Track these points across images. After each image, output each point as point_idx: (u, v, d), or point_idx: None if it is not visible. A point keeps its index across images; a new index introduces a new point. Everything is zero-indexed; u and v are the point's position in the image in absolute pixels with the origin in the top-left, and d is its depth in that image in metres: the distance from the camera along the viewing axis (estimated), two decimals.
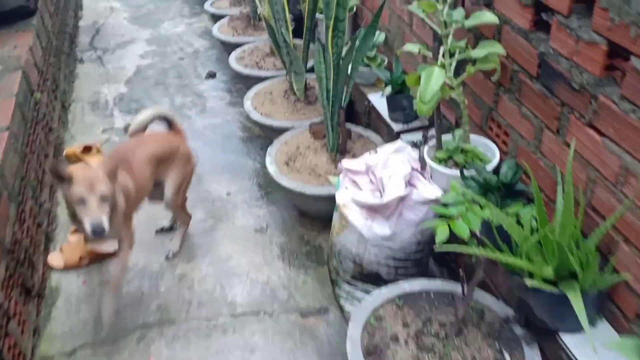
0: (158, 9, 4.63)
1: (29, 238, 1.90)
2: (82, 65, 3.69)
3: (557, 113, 1.45)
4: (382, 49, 2.52)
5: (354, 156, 2.25)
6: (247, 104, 2.68)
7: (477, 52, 1.62)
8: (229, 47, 3.40)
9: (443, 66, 1.65)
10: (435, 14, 1.64)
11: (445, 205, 1.53)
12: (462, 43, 1.72)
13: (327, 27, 2.05)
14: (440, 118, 1.80)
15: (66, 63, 3.45)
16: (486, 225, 1.50)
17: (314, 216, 2.33)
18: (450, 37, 1.68)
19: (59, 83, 3.08)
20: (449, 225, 1.44)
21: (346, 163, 1.90)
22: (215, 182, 2.56)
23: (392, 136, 2.26)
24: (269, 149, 2.34)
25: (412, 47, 1.80)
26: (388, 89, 2.14)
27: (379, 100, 2.39)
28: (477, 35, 1.74)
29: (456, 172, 1.70)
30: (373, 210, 1.72)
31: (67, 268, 2.07)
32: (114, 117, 3.08)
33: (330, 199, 2.09)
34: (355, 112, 2.70)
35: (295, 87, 2.63)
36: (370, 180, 1.83)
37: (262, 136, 2.85)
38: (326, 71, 2.12)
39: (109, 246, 2.17)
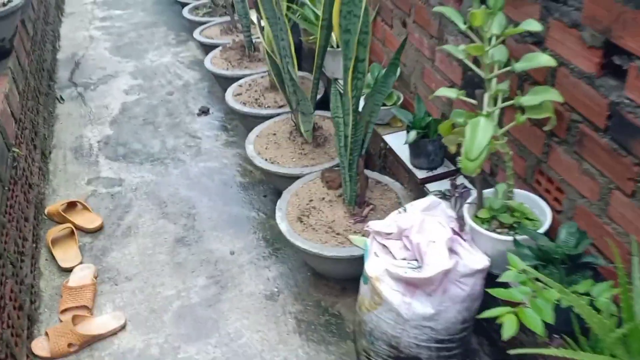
0: (141, 37, 4.41)
1: (10, 328, 1.65)
2: (63, 105, 3.45)
3: (634, 174, 1.24)
4: (396, 85, 2.32)
5: (373, 209, 2.03)
6: (250, 148, 2.45)
7: (530, 100, 1.41)
8: (223, 81, 3.18)
9: (488, 115, 1.44)
10: (479, 57, 1.44)
11: (504, 285, 1.31)
12: (505, 86, 1.52)
13: (345, 69, 1.84)
14: (482, 172, 1.59)
15: (45, 104, 3.21)
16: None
17: (330, 277, 2.10)
18: (494, 81, 1.48)
19: (38, 129, 2.84)
20: (516, 315, 1.22)
21: (374, 225, 1.68)
22: (217, 240, 2.32)
23: (415, 184, 2.04)
24: (278, 202, 2.12)
25: (448, 93, 1.59)
26: (412, 135, 1.93)
27: (396, 142, 2.18)
28: (522, 77, 1.54)
29: (506, 238, 1.49)
30: (413, 285, 1.50)
31: (55, 357, 1.82)
32: (100, 165, 2.84)
33: (351, 261, 1.87)
34: (368, 154, 2.48)
35: (302, 129, 2.41)
36: (405, 246, 1.61)
37: (265, 182, 2.62)
38: (344, 117, 1.91)
39: (103, 326, 1.92)
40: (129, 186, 2.68)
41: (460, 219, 1.63)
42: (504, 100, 1.51)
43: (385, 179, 2.20)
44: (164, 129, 3.13)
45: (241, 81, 3.03)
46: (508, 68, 1.43)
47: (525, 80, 1.54)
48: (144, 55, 4.08)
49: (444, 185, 1.96)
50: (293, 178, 2.28)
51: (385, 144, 2.24)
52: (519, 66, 1.40)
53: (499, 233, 1.55)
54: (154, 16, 4.78)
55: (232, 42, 3.43)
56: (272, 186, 2.57)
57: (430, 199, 1.72)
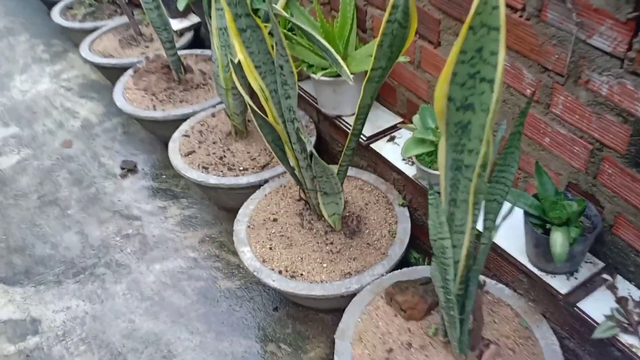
0: None
1: None
2: None
3: None
4: None
5: (497, 352, 1.28)
6: (247, 254, 1.56)
7: None
8: (151, 126, 2.17)
9: None
10: None
11: None
12: None
13: (457, 166, 1.02)
14: None
15: None
16: None
17: None
18: None
19: None
20: None
21: None
22: None
23: (546, 295, 1.32)
24: (337, 355, 1.28)
25: None
26: (561, 242, 1.17)
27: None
28: None
29: None
30: None
31: None
32: None
33: None
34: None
35: (325, 213, 1.56)
36: None
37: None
38: (453, 236, 1.10)
39: None
40: (51, 331, 1.66)
41: None
42: None
43: (487, 283, 1.45)
44: (77, 210, 2.07)
45: (184, 127, 2.04)
46: None
47: None
48: (7, 83, 2.83)
49: (603, 300, 1.25)
50: (335, 299, 1.45)
51: None
52: None
53: None
54: (5, 19, 3.43)
55: (145, 61, 2.37)
56: (283, 297, 1.71)
57: None
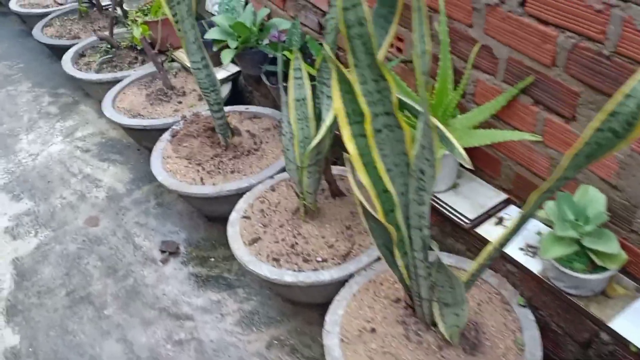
0: None
1: None
2: None
3: None
4: (608, 223, 1.31)
5: None
6: None
7: None
8: (201, 203, 1.92)
9: None
10: None
11: None
12: None
13: None
14: None
15: None
16: None
17: None
18: None
19: None
20: None
21: None
22: None
23: None
24: None
25: None
26: None
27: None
28: None
29: None
30: None
31: None
32: None
33: None
34: (555, 340, 1.46)
35: (441, 325, 1.32)
36: None
37: None
38: None
39: None
40: None
41: None
42: None
43: None
44: (116, 309, 1.80)
45: (242, 205, 1.79)
46: None
47: None
48: (13, 145, 2.56)
49: None
50: None
51: (616, 336, 1.24)
52: None
53: None
54: (0, 64, 3.16)
55: (183, 123, 2.12)
56: None
57: None
